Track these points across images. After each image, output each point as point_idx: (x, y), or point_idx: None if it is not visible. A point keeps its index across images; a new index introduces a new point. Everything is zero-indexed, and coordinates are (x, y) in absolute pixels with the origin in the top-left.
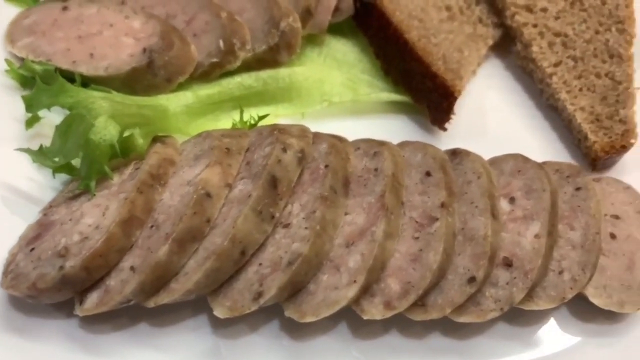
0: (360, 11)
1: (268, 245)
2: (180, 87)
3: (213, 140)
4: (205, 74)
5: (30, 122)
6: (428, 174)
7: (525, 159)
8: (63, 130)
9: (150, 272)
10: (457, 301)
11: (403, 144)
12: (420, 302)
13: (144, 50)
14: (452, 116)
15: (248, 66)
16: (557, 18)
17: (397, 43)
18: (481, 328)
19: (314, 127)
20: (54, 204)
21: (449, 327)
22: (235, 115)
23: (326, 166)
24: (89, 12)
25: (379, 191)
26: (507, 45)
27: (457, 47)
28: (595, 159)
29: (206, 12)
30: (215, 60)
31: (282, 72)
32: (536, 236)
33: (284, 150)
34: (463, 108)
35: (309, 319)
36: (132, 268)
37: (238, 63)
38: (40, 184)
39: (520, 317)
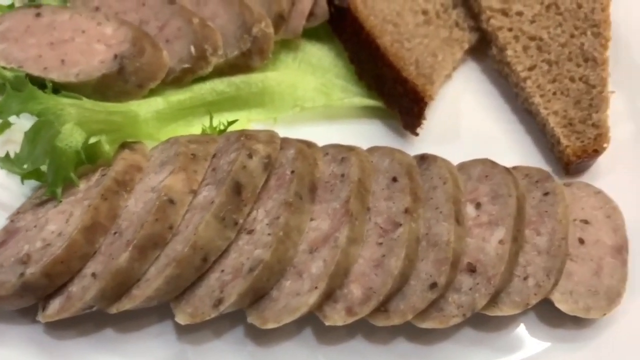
0: (335, 16)
1: (231, 252)
2: (152, 92)
3: (179, 147)
4: (177, 80)
5: (0, 129)
6: (394, 179)
7: (493, 164)
8: (31, 136)
9: (111, 279)
10: (419, 307)
11: (372, 150)
12: (383, 308)
13: (115, 56)
14: (424, 121)
15: (220, 71)
16: (532, 22)
17: (370, 48)
18: (448, 333)
19: (287, 132)
20: (22, 210)
21: (415, 333)
22: (207, 121)
23: (292, 172)
24: (62, 19)
25: (344, 197)
26: (484, 49)
27: (432, 51)
28: (568, 163)
29: (178, 18)
30: (186, 66)
31: (255, 77)
32: (500, 242)
33: (250, 156)
34: (438, 112)
35: (271, 325)
36: (93, 274)
37: (210, 68)
38: (10, 190)
39: (488, 322)
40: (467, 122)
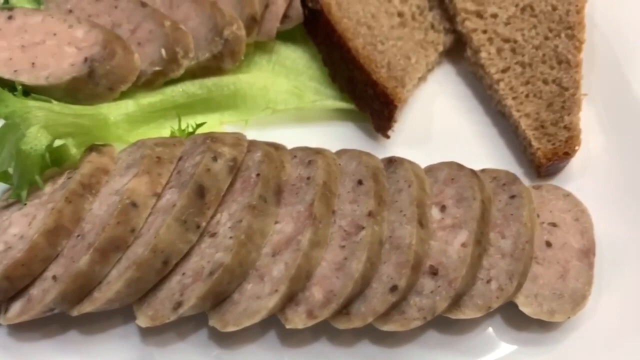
0: (309, 18)
1: (193, 255)
2: (123, 95)
3: (145, 149)
4: (149, 82)
5: None
6: (360, 182)
7: (460, 167)
8: None
9: (71, 282)
10: (379, 310)
11: (340, 152)
12: (345, 311)
13: (86, 59)
14: (397, 123)
15: (192, 74)
16: (507, 24)
17: (342, 50)
18: (413, 336)
19: (259, 134)
20: None
21: (380, 335)
22: (177, 123)
23: (258, 175)
24: (34, 21)
25: (308, 200)
26: (460, 51)
27: (405, 54)
28: (539, 165)
29: (150, 21)
30: (158, 68)
31: (227, 80)
32: (463, 245)
33: (215, 159)
34: (412, 114)
35: (231, 328)
36: (54, 277)
37: (181, 71)
38: None
39: (453, 325)
40: (441, 124)
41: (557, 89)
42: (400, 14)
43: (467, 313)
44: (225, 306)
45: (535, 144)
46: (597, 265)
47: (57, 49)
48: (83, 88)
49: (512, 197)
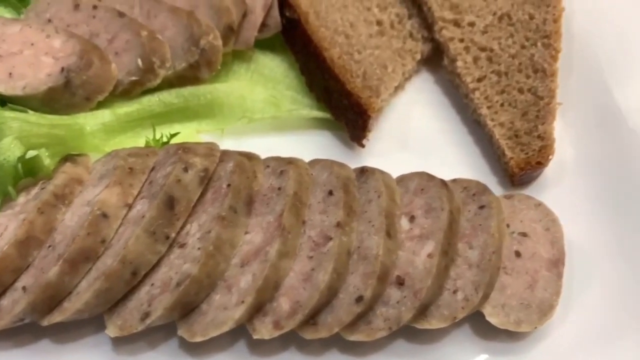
0: (286, 27)
1: (162, 265)
2: (100, 104)
3: (118, 160)
4: (126, 92)
5: None
6: (330, 193)
7: (430, 177)
8: None
9: (41, 292)
10: (345, 320)
11: (313, 162)
12: (312, 321)
13: (62, 69)
14: (373, 132)
15: (169, 83)
16: (484, 32)
17: (318, 60)
18: (382, 345)
19: (235, 143)
20: None
21: (348, 345)
22: (153, 132)
23: (228, 185)
24: (12, 31)
25: (278, 210)
26: (439, 59)
27: (382, 63)
28: (512, 175)
29: (127, 31)
30: (135, 78)
31: (203, 89)
32: (429, 256)
33: (185, 169)
34: (388, 123)
35: (198, 338)
36: (24, 288)
37: (158, 81)
38: None
39: (423, 334)
40: (418, 132)
41: (532, 98)
42: (379, 23)
43: (433, 323)
44: (194, 316)
45: (508, 153)
46: (567, 275)
47: (34, 58)
48: (60, 98)
49: (481, 207)
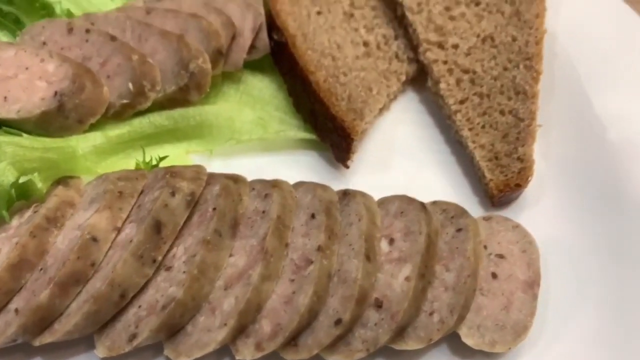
0: (274, 49)
1: (149, 288)
2: (92, 126)
3: (108, 184)
4: (118, 114)
5: None
6: (313, 216)
7: (410, 200)
8: None
9: (32, 315)
10: (324, 342)
11: (297, 185)
12: (293, 342)
13: (55, 93)
14: (357, 154)
15: (160, 105)
16: (467, 54)
17: (304, 83)
18: None
19: (224, 163)
20: None
21: None
22: (143, 154)
23: (214, 209)
24: (7, 55)
25: (262, 234)
26: (424, 80)
27: (367, 85)
28: (492, 196)
29: (118, 55)
30: (126, 101)
31: (193, 111)
32: (406, 279)
33: (173, 194)
34: (373, 143)
35: (183, 359)
36: (16, 310)
37: (149, 103)
38: None
39: (402, 355)
40: (402, 152)
41: (513, 119)
42: (365, 44)
43: (410, 344)
44: (179, 337)
45: (488, 175)
46: (543, 297)
47: (28, 83)
48: (53, 121)
49: (459, 230)
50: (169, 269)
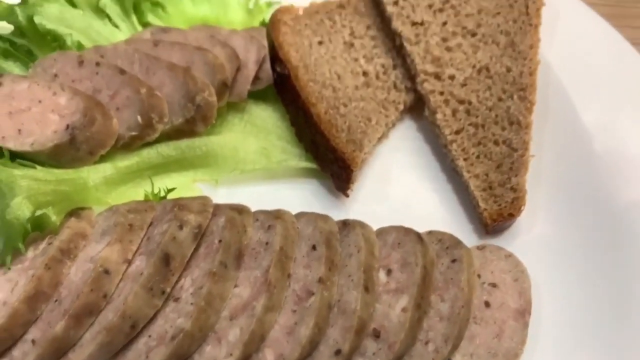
0: (277, 81)
1: (159, 318)
2: (102, 158)
3: (118, 217)
4: (126, 146)
5: None
6: (314, 247)
7: (407, 231)
8: None
9: (48, 346)
10: None
11: (299, 215)
12: None
13: (67, 127)
14: (356, 183)
15: (167, 136)
16: (463, 85)
17: (306, 115)
18: None
19: (229, 191)
20: None
21: None
22: (151, 185)
23: (220, 241)
24: (20, 88)
25: (265, 266)
26: (422, 108)
27: (366, 115)
28: (486, 224)
29: (127, 88)
30: (134, 133)
31: (199, 141)
32: (403, 310)
33: (180, 227)
34: (372, 171)
35: None
36: (33, 341)
37: (157, 135)
38: None
39: None
40: (400, 180)
41: (507, 149)
42: (365, 73)
43: None
44: None
45: (482, 204)
46: (534, 325)
47: (41, 116)
48: (65, 153)
49: (453, 261)
50: (177, 299)
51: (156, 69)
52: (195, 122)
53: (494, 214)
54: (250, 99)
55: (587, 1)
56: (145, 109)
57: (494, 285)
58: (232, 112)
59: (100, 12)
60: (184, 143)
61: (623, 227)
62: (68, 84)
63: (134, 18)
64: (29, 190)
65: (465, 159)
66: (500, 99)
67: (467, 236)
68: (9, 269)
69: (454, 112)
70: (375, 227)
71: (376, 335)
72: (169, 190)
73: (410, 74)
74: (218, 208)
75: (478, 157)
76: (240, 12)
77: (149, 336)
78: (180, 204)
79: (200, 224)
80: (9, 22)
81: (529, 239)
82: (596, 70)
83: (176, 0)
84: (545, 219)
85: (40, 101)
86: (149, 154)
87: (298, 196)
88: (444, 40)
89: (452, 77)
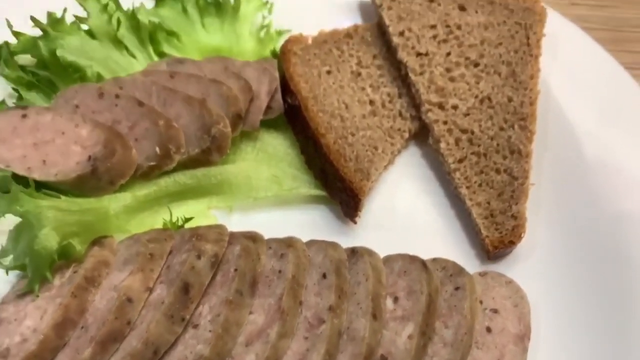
0: (288, 111)
1: (179, 344)
2: (122, 187)
3: (140, 246)
4: (145, 175)
5: None
6: (324, 276)
7: (412, 259)
8: (14, 236)
9: None
10: None
11: (310, 243)
12: None
13: (89, 158)
14: (363, 211)
15: (184, 165)
16: (466, 115)
17: (315, 145)
18: None
19: (243, 217)
20: (6, 301)
21: None
22: (170, 211)
23: (235, 270)
24: (45, 120)
25: (278, 293)
26: (426, 135)
27: (373, 144)
28: (487, 251)
29: (146, 120)
30: (152, 163)
31: (214, 170)
32: (409, 337)
33: (199, 257)
34: (379, 197)
35: None
36: None
37: (174, 164)
38: None
39: None
40: (406, 206)
41: (508, 178)
42: (371, 102)
43: None
44: None
45: (484, 232)
46: (533, 349)
47: (65, 147)
48: (86, 183)
49: (457, 288)
50: (196, 326)
51: (173, 101)
52: (210, 152)
53: (496, 241)
54: (262, 127)
55: (586, 26)
56: (163, 140)
57: (495, 310)
58: (245, 140)
59: (118, 43)
60: (200, 172)
61: (622, 256)
62: (89, 116)
63: (150, 48)
64: (55, 221)
65: (467, 187)
66: (501, 129)
67: (470, 261)
68: (37, 296)
69: (457, 141)
70: (381, 252)
71: None
72: (187, 220)
73: (414, 102)
74: (233, 237)
75: (480, 185)
76: (252, 41)
77: None
78: (198, 234)
79: (217, 253)
80: (32, 56)
81: (528, 265)
82: (595, 99)
83: (190, 30)
84: (544, 246)
85: (63, 133)
86: (166, 183)
87: (308, 222)
88: (448, 70)
89: (455, 107)
